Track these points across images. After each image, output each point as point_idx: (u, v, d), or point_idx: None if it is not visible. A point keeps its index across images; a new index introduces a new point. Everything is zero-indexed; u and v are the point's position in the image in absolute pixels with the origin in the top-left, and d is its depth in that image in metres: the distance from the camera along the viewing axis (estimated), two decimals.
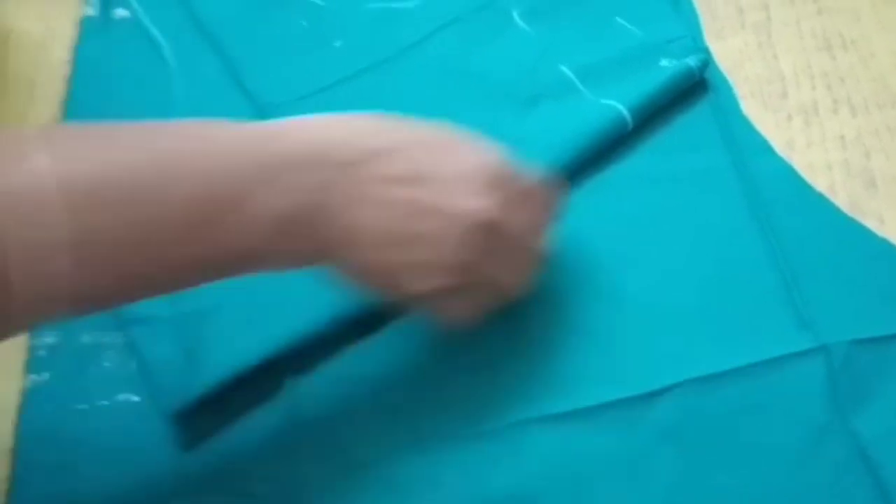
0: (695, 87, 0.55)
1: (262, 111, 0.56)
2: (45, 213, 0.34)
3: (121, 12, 0.63)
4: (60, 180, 0.35)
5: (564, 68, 0.56)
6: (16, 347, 0.50)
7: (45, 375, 0.50)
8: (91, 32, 0.63)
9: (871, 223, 0.50)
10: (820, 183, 0.52)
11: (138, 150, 0.38)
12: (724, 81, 0.55)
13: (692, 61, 0.54)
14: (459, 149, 0.43)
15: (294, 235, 0.40)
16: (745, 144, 0.53)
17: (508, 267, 0.44)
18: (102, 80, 0.61)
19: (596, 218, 0.51)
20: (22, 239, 0.34)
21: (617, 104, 0.53)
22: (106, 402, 0.49)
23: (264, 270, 0.41)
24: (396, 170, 0.41)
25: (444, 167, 0.41)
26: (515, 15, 0.58)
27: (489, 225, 0.41)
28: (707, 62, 0.55)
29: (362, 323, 0.49)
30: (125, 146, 0.38)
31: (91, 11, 0.63)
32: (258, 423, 0.47)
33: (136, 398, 0.49)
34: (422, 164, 0.41)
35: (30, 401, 0.49)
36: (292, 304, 0.49)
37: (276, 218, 0.39)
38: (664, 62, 0.55)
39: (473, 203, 0.41)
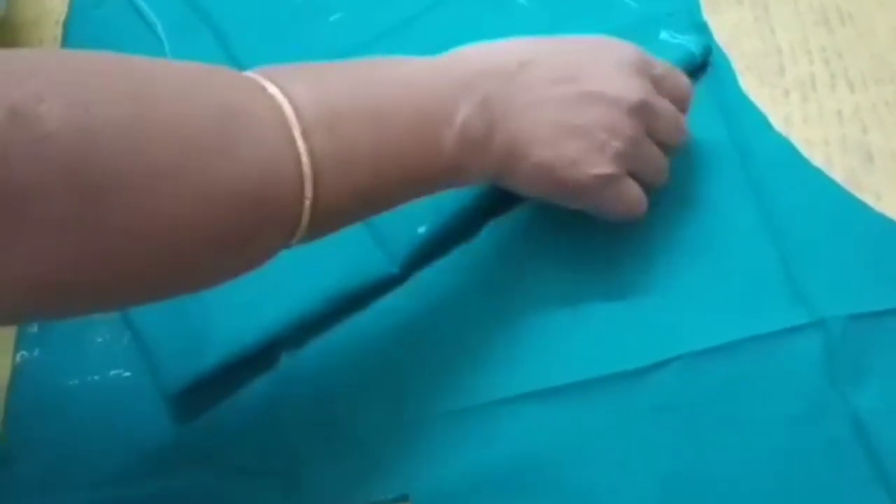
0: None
1: None
2: (299, 132, 0.37)
3: None
4: (301, 105, 0.37)
5: None
6: None
7: (36, 351, 0.49)
8: (82, 10, 0.62)
9: (867, 198, 0.50)
10: (817, 158, 0.51)
11: (359, 80, 0.41)
12: (722, 56, 0.55)
13: (693, 46, 0.54)
14: (601, 47, 0.47)
15: (482, 147, 0.43)
16: (743, 119, 0.53)
17: (660, 152, 0.48)
18: None
19: None
20: (273, 158, 0.36)
21: None
22: (97, 378, 0.49)
23: (458, 186, 0.46)
24: (553, 72, 0.45)
25: (593, 62, 0.46)
26: None
27: (644, 104, 0.46)
28: (709, 47, 0.55)
29: (358, 298, 0.49)
30: (345, 77, 0.41)
31: None
32: (251, 398, 0.47)
33: (127, 373, 0.49)
34: (573, 63, 0.46)
35: (20, 377, 0.49)
36: (289, 279, 0.49)
37: (473, 128, 0.43)
38: (663, 35, 0.54)
39: (629, 85, 0.45)
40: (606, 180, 0.45)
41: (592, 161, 0.45)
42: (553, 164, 0.45)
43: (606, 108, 0.45)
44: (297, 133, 0.37)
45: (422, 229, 0.49)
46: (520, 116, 0.44)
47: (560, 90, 0.44)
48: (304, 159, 0.37)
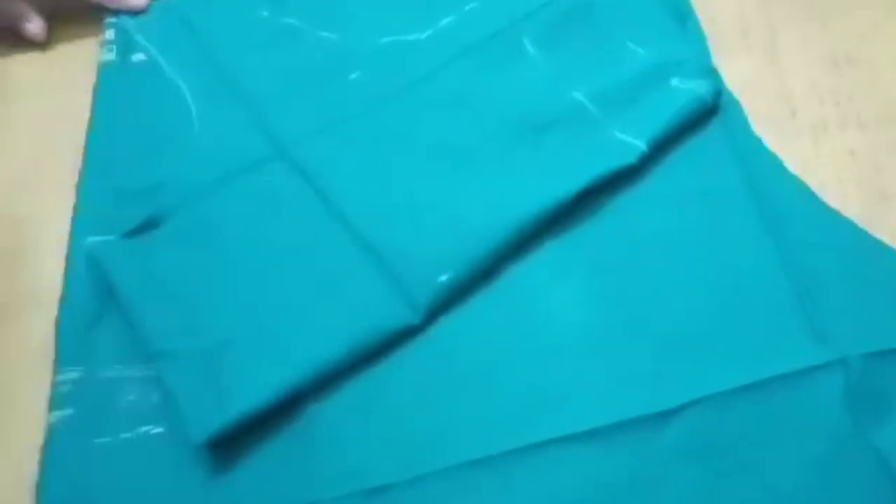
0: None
1: (282, 148, 0.57)
2: None
3: (139, 56, 0.64)
4: None
5: (577, 94, 0.56)
6: (39, 384, 0.51)
7: (69, 411, 0.50)
8: (110, 76, 0.63)
9: (883, 236, 0.50)
10: (831, 198, 0.52)
11: None
12: (733, 101, 0.56)
13: (703, 90, 0.55)
14: None
15: None
16: (756, 162, 0.53)
17: None
18: (123, 123, 0.62)
19: (610, 238, 0.52)
20: None
21: (635, 140, 0.53)
22: (129, 435, 0.49)
23: None
24: None
25: None
26: (527, 43, 0.59)
27: None
28: (719, 90, 0.55)
29: (381, 347, 0.50)
30: None
31: (110, 57, 0.64)
32: (278, 451, 0.48)
33: (159, 430, 0.49)
34: None
35: (54, 437, 0.49)
36: (313, 332, 0.50)
37: None
38: (675, 82, 0.55)
39: None
40: None
41: None
42: None
43: None
44: None
45: (443, 278, 0.50)
46: None
47: None
48: None
